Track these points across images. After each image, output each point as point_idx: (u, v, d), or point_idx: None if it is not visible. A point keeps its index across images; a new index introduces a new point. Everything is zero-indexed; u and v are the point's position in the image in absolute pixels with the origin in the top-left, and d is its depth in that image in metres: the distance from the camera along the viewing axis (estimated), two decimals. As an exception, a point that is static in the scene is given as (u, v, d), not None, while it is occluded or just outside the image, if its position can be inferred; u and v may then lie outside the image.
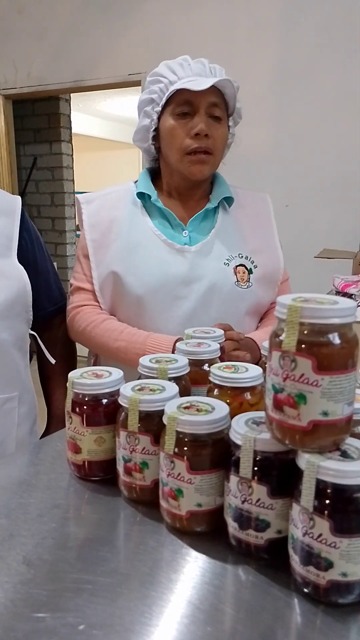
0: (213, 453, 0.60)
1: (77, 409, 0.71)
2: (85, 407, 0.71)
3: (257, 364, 1.13)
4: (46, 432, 1.30)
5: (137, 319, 1.22)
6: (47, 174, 4.94)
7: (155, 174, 1.34)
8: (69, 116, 4.94)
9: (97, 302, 1.26)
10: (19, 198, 1.27)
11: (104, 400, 0.72)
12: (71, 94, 4.72)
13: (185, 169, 1.20)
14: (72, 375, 0.73)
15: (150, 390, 0.68)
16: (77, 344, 1.34)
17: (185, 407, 0.62)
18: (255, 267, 1.27)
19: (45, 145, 4.88)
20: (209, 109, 1.17)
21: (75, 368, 1.37)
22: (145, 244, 1.23)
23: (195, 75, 1.18)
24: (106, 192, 1.34)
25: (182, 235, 1.25)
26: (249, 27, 3.18)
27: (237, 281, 1.24)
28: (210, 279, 1.21)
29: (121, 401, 0.67)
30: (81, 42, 3.71)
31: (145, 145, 1.29)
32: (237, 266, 1.25)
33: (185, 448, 0.59)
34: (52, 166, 4.92)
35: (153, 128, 1.23)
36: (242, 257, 1.27)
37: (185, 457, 0.59)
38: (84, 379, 0.72)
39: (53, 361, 1.27)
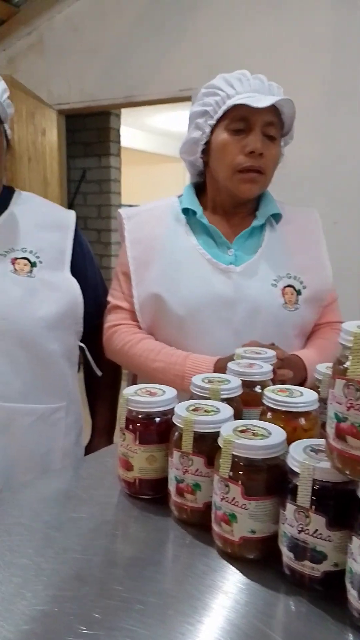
0: (268, 479, 0.59)
1: (131, 426, 0.72)
2: (138, 424, 0.72)
3: (302, 383, 1.11)
4: (89, 444, 1.31)
5: (178, 340, 1.18)
6: (95, 186, 5.04)
7: (199, 189, 1.30)
8: (118, 130, 5.04)
9: (135, 321, 1.23)
10: (73, 213, 1.29)
11: (157, 419, 0.72)
12: (121, 109, 4.82)
13: (235, 186, 1.18)
14: (126, 392, 0.74)
15: (205, 411, 0.68)
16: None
17: (241, 431, 0.61)
18: (304, 287, 1.22)
19: (94, 159, 4.99)
20: (264, 128, 1.14)
21: (120, 381, 1.40)
22: (188, 263, 1.20)
23: (253, 91, 1.15)
24: (149, 207, 1.32)
25: (227, 254, 1.21)
26: (299, 42, 3.18)
27: (285, 303, 1.19)
28: (255, 300, 1.17)
29: (175, 421, 0.67)
30: (133, 59, 3.78)
31: (191, 158, 1.26)
32: (285, 287, 1.21)
33: (240, 472, 0.59)
34: (101, 179, 5.02)
35: (204, 141, 1.20)
36: (290, 277, 1.22)
37: (240, 482, 0.58)
38: (138, 396, 0.73)
39: (99, 373, 1.28)
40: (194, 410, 0.68)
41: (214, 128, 1.19)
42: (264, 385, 0.86)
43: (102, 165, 4.99)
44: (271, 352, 0.97)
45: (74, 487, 0.81)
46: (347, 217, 3.03)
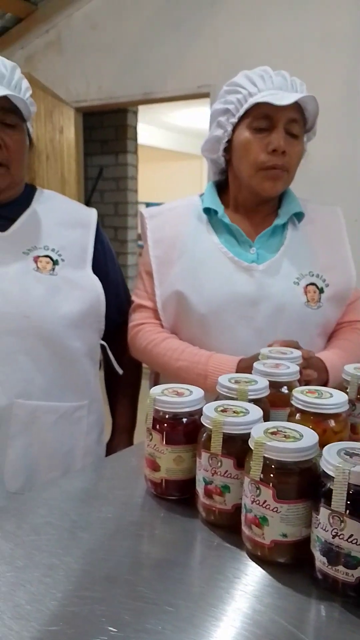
0: (300, 482, 0.58)
1: (158, 427, 0.71)
2: (165, 424, 0.71)
3: (324, 385, 1.09)
4: (110, 442, 1.31)
5: (201, 338, 1.18)
6: (112, 184, 5.05)
7: (220, 188, 1.30)
8: (135, 128, 5.04)
9: (159, 320, 1.23)
10: (94, 211, 1.29)
11: (184, 419, 0.71)
12: (138, 106, 4.82)
13: (258, 184, 1.16)
14: (153, 391, 0.73)
15: (234, 412, 0.67)
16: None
17: (272, 433, 0.60)
18: (327, 285, 1.21)
19: (111, 157, 5.00)
20: (287, 125, 1.13)
21: (141, 380, 1.40)
22: (210, 262, 1.19)
23: (276, 88, 1.14)
24: (170, 206, 1.31)
25: (250, 253, 1.21)
26: (319, 39, 3.15)
27: (307, 301, 1.18)
28: (278, 299, 1.16)
29: (204, 422, 0.66)
30: (151, 56, 3.78)
31: (214, 156, 1.25)
32: (307, 285, 1.19)
33: (272, 475, 0.58)
34: (117, 177, 5.02)
35: (226, 139, 1.19)
36: (312, 275, 1.21)
37: (271, 485, 0.57)
38: (165, 396, 0.72)
39: (120, 371, 1.28)
40: (222, 411, 0.67)
41: (236, 126, 1.17)
42: (290, 386, 0.85)
43: (119, 162, 4.99)
44: (297, 352, 0.96)
45: (99, 487, 0.80)
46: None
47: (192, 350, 1.16)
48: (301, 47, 3.20)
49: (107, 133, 4.96)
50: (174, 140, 8.37)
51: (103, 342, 1.24)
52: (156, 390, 0.74)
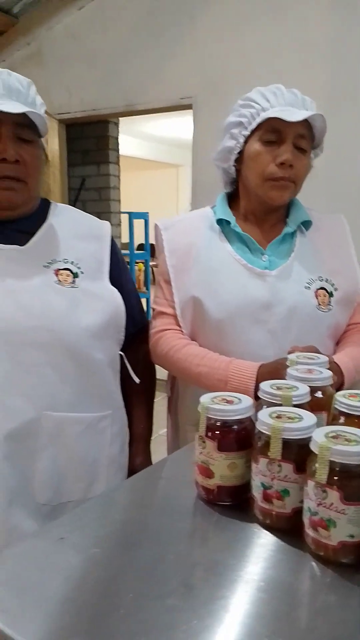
0: (365, 484, 0.60)
1: (210, 434, 0.73)
2: (218, 432, 0.73)
3: (339, 388, 1.13)
4: (129, 449, 1.31)
5: (218, 342, 1.23)
6: (94, 194, 5.05)
7: (230, 198, 1.35)
8: (117, 138, 5.05)
9: (179, 326, 1.28)
10: (107, 223, 1.31)
11: (236, 427, 0.73)
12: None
13: (265, 193, 1.22)
14: (204, 400, 0.75)
15: (289, 418, 0.69)
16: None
17: (333, 437, 0.63)
18: (336, 289, 1.27)
19: (93, 167, 5.00)
20: (296, 140, 1.19)
21: (155, 388, 1.41)
22: (224, 269, 1.25)
23: (287, 105, 1.20)
24: (184, 217, 1.38)
25: (262, 260, 1.26)
26: (298, 48, 3.21)
27: (319, 304, 1.24)
28: (291, 302, 1.22)
29: (261, 428, 0.68)
30: (132, 67, 3.80)
31: (225, 165, 1.31)
32: (318, 289, 1.26)
33: (336, 478, 0.60)
34: (100, 187, 5.02)
35: (237, 150, 1.25)
36: (322, 279, 1.27)
37: (338, 487, 0.60)
38: (217, 404, 0.74)
39: (138, 380, 1.29)
40: (277, 417, 0.69)
41: (247, 138, 1.24)
42: (324, 390, 0.88)
43: (101, 173, 5.00)
44: (323, 358, 0.99)
45: (150, 496, 0.81)
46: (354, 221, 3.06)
47: (212, 356, 1.19)
48: (280, 55, 3.27)
49: (88, 143, 4.97)
50: (150, 150, 8.42)
51: (121, 353, 1.25)
52: (206, 398, 0.76)
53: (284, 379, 0.91)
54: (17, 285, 1.07)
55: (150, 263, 5.98)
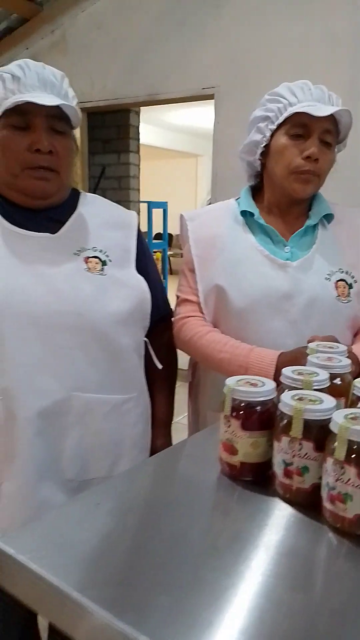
0: (381, 461, 0.65)
1: (235, 414, 0.78)
2: (244, 412, 0.78)
3: (356, 377, 1.17)
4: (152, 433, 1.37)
5: (239, 330, 1.28)
6: (114, 183, 5.10)
7: (254, 191, 1.40)
8: (138, 127, 5.09)
9: (202, 313, 1.33)
10: (134, 213, 1.35)
11: (258, 407, 0.78)
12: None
13: (289, 185, 1.26)
14: (230, 382, 0.80)
15: (310, 400, 0.73)
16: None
17: (352, 418, 0.67)
18: (355, 281, 1.31)
19: (113, 155, 5.05)
20: (322, 135, 1.23)
21: (176, 374, 1.46)
22: (248, 259, 1.29)
23: (314, 100, 1.24)
24: (209, 209, 1.43)
25: (284, 251, 1.30)
26: (322, 39, 3.22)
27: (338, 296, 1.28)
28: (311, 293, 1.26)
29: (283, 409, 0.73)
30: (155, 56, 3.83)
31: (251, 158, 1.35)
32: (337, 281, 1.29)
33: (354, 455, 0.65)
34: (119, 175, 5.08)
35: (263, 144, 1.29)
36: (342, 271, 1.31)
37: (355, 464, 0.64)
38: (242, 387, 0.79)
39: (160, 366, 1.34)
40: (299, 399, 0.74)
41: (274, 132, 1.27)
42: (343, 377, 0.92)
43: (121, 162, 5.04)
44: (342, 347, 1.03)
45: (177, 470, 0.87)
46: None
47: (234, 343, 1.24)
48: (305, 47, 3.27)
49: (109, 132, 5.01)
50: (169, 139, 8.42)
51: (145, 339, 1.30)
52: (231, 381, 0.81)
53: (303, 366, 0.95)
54: (48, 271, 1.12)
55: (168, 252, 6.03)
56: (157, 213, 5.57)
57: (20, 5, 4.01)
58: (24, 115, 1.09)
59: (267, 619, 0.53)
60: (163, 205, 5.69)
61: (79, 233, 1.21)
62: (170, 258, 6.52)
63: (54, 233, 1.17)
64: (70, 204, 1.24)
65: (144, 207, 5.40)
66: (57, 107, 1.10)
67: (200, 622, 0.51)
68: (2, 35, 4.34)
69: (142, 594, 0.55)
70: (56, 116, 1.12)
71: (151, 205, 5.49)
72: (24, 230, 1.14)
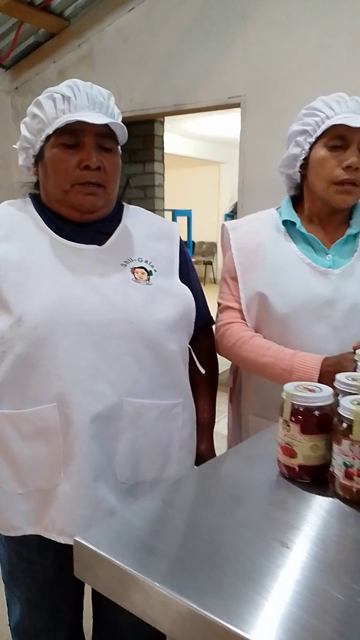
0: None
1: (294, 418, 0.81)
2: (303, 417, 0.81)
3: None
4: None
5: (281, 335, 1.31)
6: (139, 192, 5.17)
7: (294, 201, 1.43)
8: (162, 137, 5.16)
9: (244, 320, 1.36)
10: (175, 224, 1.40)
11: (317, 412, 0.81)
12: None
13: (331, 197, 1.29)
14: (288, 388, 0.83)
15: (369, 404, 0.76)
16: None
17: None
18: None
19: (138, 165, 5.12)
20: None
21: (217, 381, 1.49)
22: (290, 267, 1.33)
23: (350, 112, 1.27)
24: (250, 219, 1.46)
25: (326, 259, 1.34)
26: (349, 47, 3.24)
27: None
28: (353, 299, 1.29)
29: (344, 413, 0.76)
30: (182, 67, 3.88)
31: (290, 171, 1.39)
32: None
33: None
34: (145, 185, 5.14)
35: (303, 157, 1.33)
36: None
37: None
38: (301, 392, 0.82)
39: (203, 371, 1.37)
40: (358, 404, 0.77)
41: (312, 145, 1.31)
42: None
43: (146, 171, 5.11)
44: (390, 354, 1.05)
45: (239, 471, 0.90)
46: None
47: (278, 347, 1.28)
48: (332, 55, 3.29)
49: (135, 143, 5.08)
50: (192, 147, 8.49)
51: (189, 345, 1.33)
52: (290, 387, 0.84)
53: (347, 372, 0.98)
54: (99, 282, 1.16)
55: (192, 259, 6.09)
56: (182, 221, 5.63)
57: (48, 20, 4.11)
58: (74, 133, 1.14)
59: (339, 610, 0.56)
60: (187, 213, 5.74)
61: (125, 244, 1.25)
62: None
63: (101, 245, 1.22)
64: (115, 217, 1.29)
65: (168, 215, 5.47)
66: (105, 125, 1.15)
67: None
68: (30, 49, 4.45)
69: (223, 583, 0.58)
70: (104, 134, 1.17)
71: (176, 213, 5.55)
72: (74, 243, 1.19)
